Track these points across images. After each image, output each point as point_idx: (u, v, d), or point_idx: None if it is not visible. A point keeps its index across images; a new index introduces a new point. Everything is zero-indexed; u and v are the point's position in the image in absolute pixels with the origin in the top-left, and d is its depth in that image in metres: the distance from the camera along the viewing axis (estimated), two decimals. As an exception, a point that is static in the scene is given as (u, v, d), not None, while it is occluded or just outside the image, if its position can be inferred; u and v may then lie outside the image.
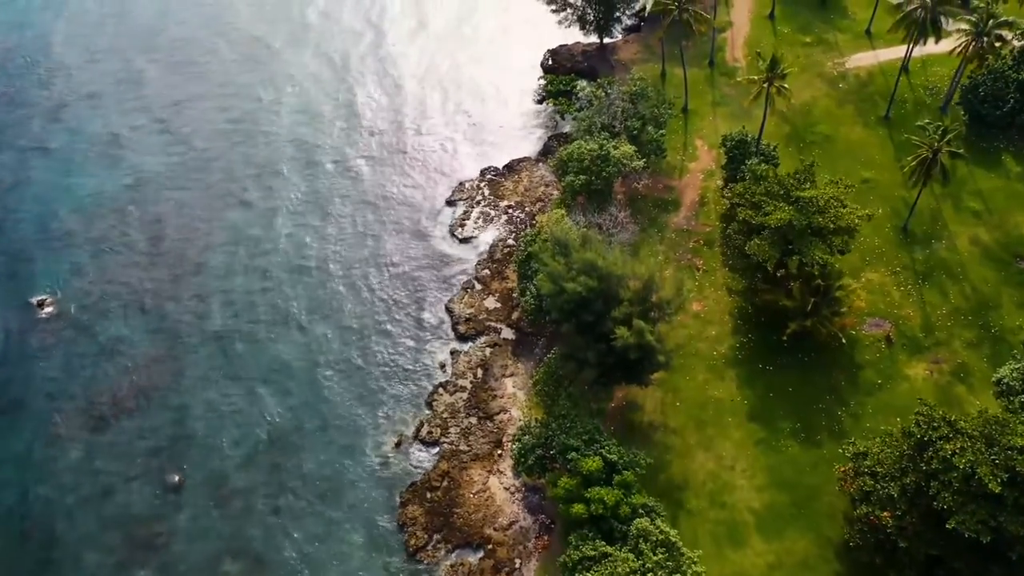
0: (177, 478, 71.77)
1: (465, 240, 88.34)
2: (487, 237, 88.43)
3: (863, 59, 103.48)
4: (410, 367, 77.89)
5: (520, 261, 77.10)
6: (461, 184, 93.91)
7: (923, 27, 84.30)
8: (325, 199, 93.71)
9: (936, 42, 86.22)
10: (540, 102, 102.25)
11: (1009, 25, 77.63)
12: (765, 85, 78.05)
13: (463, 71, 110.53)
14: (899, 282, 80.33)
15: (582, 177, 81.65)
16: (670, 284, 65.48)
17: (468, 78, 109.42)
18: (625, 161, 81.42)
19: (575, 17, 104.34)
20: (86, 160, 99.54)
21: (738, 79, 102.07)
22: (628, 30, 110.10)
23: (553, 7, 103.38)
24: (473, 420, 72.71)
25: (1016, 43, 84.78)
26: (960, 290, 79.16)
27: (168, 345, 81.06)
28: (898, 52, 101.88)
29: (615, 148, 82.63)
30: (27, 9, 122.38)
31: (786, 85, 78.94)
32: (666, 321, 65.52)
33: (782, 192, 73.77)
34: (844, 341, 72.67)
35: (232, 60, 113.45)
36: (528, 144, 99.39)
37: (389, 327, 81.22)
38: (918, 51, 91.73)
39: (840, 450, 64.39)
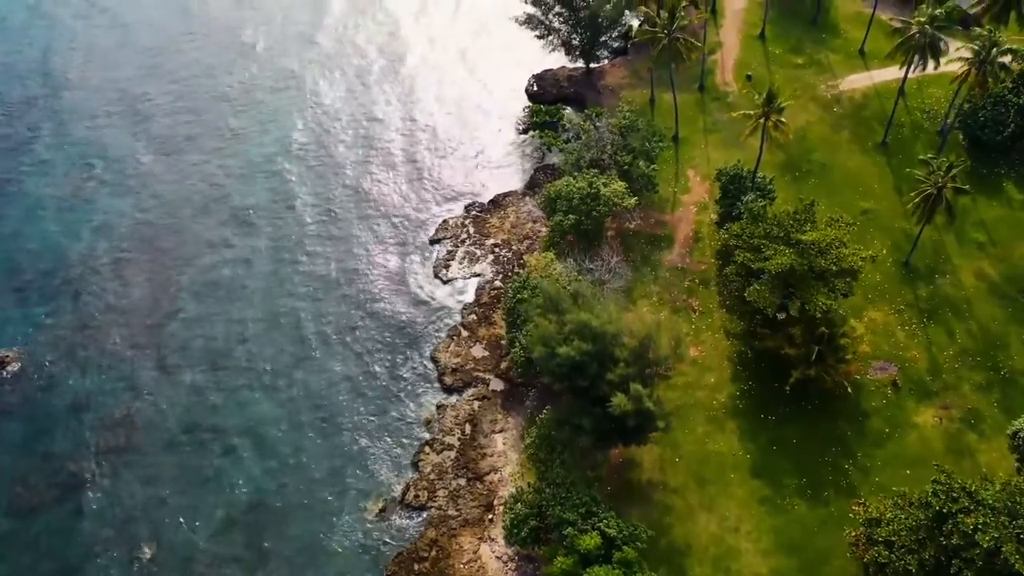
0: (148, 550, 67.43)
1: (450, 282, 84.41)
2: (473, 279, 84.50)
3: (857, 81, 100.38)
4: (394, 424, 73.83)
5: (508, 309, 73.25)
6: (445, 222, 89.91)
7: (923, 53, 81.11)
8: (302, 241, 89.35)
9: (936, 68, 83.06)
10: (525, 131, 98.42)
11: (1012, 53, 74.49)
12: (761, 120, 74.42)
13: (445, 100, 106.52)
14: (903, 321, 77.11)
15: (571, 217, 77.98)
16: (667, 338, 61.69)
17: (450, 107, 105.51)
18: (616, 200, 77.74)
19: (559, 42, 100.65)
20: (52, 202, 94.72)
21: (729, 101, 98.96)
22: (615, 53, 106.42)
23: (537, 33, 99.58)
24: (462, 481, 68.81)
25: (1016, 66, 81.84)
26: (967, 329, 76.03)
27: (139, 402, 76.67)
28: (893, 73, 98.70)
29: (605, 185, 79.02)
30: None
31: (783, 119, 75.44)
32: (664, 379, 61.71)
33: (782, 234, 70.32)
34: (850, 390, 69.24)
35: (206, 92, 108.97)
36: (514, 177, 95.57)
37: (371, 380, 77.13)
38: (914, 72, 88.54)
39: (851, 514, 61.04)
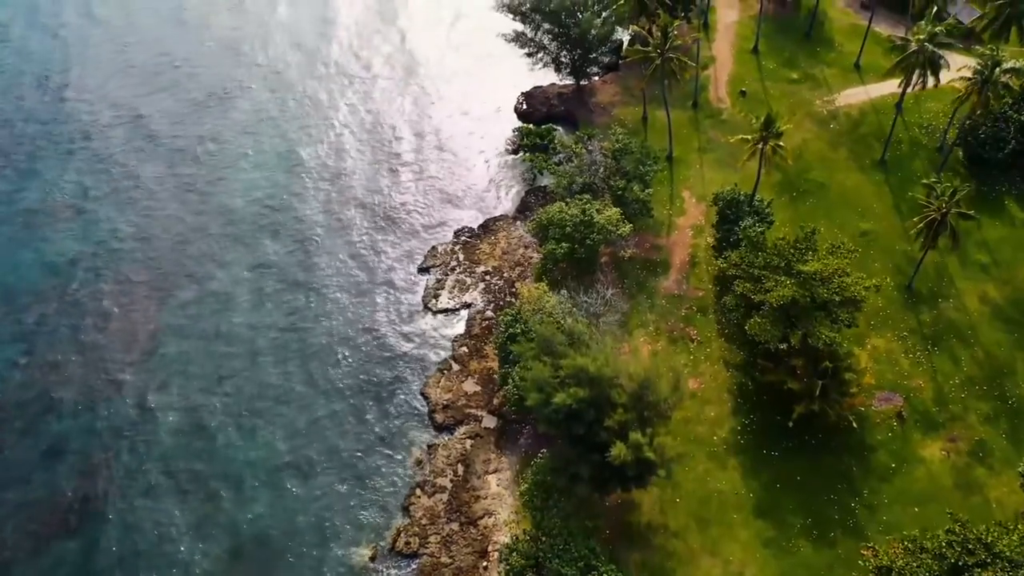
0: (128, 605, 64.45)
1: (440, 313, 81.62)
2: (464, 309, 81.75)
3: (853, 96, 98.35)
4: (383, 465, 71.03)
5: (500, 344, 70.62)
6: (434, 249, 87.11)
7: (923, 70, 79.00)
8: (285, 272, 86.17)
9: (935, 86, 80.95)
10: (515, 152, 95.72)
11: (1016, 72, 72.39)
12: (759, 145, 72.05)
13: (431, 121, 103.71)
14: (907, 348, 74.95)
15: (564, 245, 75.49)
16: (666, 380, 59.19)
17: (437, 128, 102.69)
18: (610, 227, 75.25)
19: (549, 59, 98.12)
20: (27, 231, 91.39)
21: (723, 118, 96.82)
22: (605, 68, 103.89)
23: (526, 51, 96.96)
24: (455, 526, 66.12)
25: (1016, 81, 79.82)
26: (972, 355, 73.95)
27: (117, 445, 73.52)
28: (890, 87, 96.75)
29: (599, 212, 76.54)
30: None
31: (781, 143, 73.12)
32: (665, 419, 59.25)
33: (783, 264, 68.00)
34: (855, 424, 66.95)
35: (186, 114, 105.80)
36: (504, 200, 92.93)
37: (359, 418, 74.27)
38: (913, 89, 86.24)
39: (860, 560, 58.68)
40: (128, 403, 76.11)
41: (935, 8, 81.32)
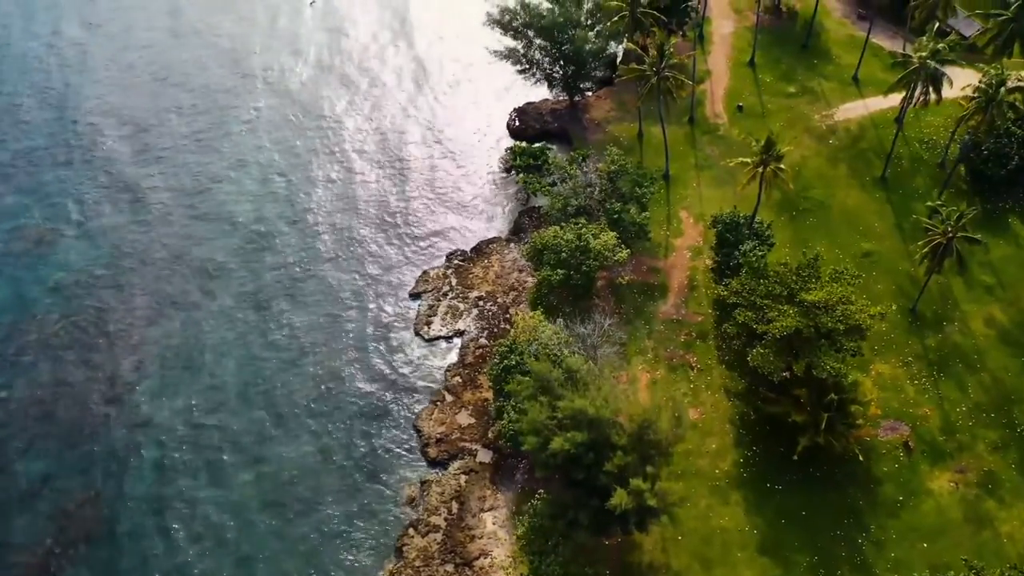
0: (110, 655, 61.99)
1: (432, 341, 79.29)
2: (456, 336, 79.46)
3: (852, 110, 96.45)
4: (375, 502, 68.72)
5: (495, 376, 68.38)
6: (425, 273, 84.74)
7: (925, 88, 77.08)
8: (272, 299, 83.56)
9: (937, 103, 79.03)
10: (508, 171, 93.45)
11: (1022, 91, 70.50)
12: (760, 169, 70.00)
13: (421, 138, 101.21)
14: (912, 374, 73.07)
15: (560, 272, 73.36)
16: (668, 414, 57.09)
17: (427, 147, 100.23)
18: (607, 253, 73.11)
19: (541, 75, 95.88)
20: (5, 259, 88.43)
21: (720, 134, 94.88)
22: (599, 83, 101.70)
23: (518, 67, 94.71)
24: (450, 568, 63.87)
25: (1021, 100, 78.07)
26: (979, 382, 72.13)
27: (101, 484, 70.98)
28: (889, 101, 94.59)
29: (595, 237, 74.37)
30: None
31: (782, 166, 71.09)
32: (666, 459, 57.13)
33: (785, 293, 65.96)
34: (861, 458, 64.97)
35: (183, 137, 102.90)
36: (497, 221, 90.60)
37: (349, 453, 71.96)
38: (914, 105, 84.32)
39: (870, 604, 56.77)
40: (111, 440, 73.58)
41: (936, 24, 79.24)
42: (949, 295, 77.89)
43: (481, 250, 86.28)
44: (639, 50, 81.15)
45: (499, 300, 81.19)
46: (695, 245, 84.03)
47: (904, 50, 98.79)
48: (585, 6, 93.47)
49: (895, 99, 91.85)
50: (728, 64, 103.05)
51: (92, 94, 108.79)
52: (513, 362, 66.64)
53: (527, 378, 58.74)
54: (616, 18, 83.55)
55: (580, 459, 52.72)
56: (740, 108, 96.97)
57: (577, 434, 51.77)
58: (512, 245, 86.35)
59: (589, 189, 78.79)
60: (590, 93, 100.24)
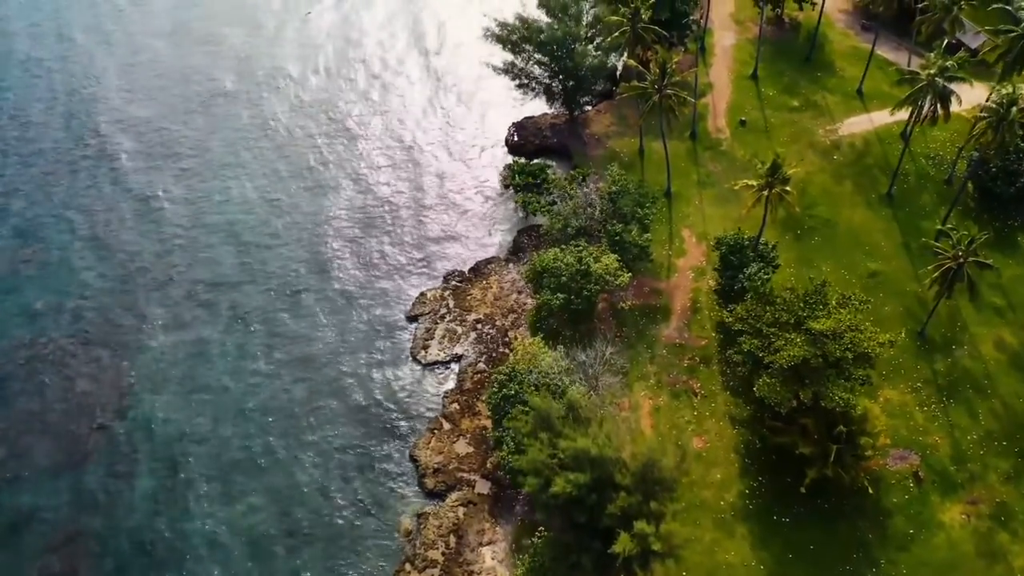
0: None
1: (430, 366, 77.32)
2: (454, 362, 77.49)
3: (857, 124, 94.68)
4: (370, 536, 66.76)
5: (494, 405, 66.46)
6: (423, 295, 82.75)
7: (932, 105, 75.28)
8: (264, 322, 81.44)
9: (946, 121, 77.26)
10: (507, 187, 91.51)
11: (1034, 111, 68.80)
12: (764, 192, 68.16)
13: (418, 155, 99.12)
14: (921, 400, 71.31)
15: (560, 296, 71.46)
16: (672, 453, 55.29)
17: (423, 161, 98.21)
18: (608, 277, 71.24)
19: (540, 89, 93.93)
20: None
21: (723, 149, 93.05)
22: (599, 96, 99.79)
23: (517, 82, 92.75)
24: (447, 606, 61.96)
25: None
26: (990, 408, 70.40)
27: (87, 518, 68.95)
28: (894, 115, 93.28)
29: (596, 260, 72.49)
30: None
31: (788, 188, 69.25)
32: (671, 497, 55.26)
33: (792, 320, 64.12)
34: (871, 490, 63.13)
35: (157, 152, 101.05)
36: (496, 240, 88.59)
37: (344, 483, 69.98)
38: (921, 123, 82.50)
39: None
40: (97, 470, 71.57)
41: (945, 41, 77.45)
42: (958, 317, 76.15)
43: (479, 270, 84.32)
44: (640, 67, 79.18)
45: (498, 323, 79.26)
46: (698, 265, 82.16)
47: (909, 63, 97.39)
48: (585, 19, 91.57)
49: (900, 113, 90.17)
50: (730, 77, 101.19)
51: (95, 108, 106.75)
52: (512, 391, 64.77)
53: (526, 415, 56.78)
54: (616, 33, 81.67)
55: (582, 500, 50.86)
56: (743, 123, 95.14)
57: (579, 475, 49.93)
58: (511, 265, 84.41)
59: (589, 210, 76.84)
60: (590, 107, 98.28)
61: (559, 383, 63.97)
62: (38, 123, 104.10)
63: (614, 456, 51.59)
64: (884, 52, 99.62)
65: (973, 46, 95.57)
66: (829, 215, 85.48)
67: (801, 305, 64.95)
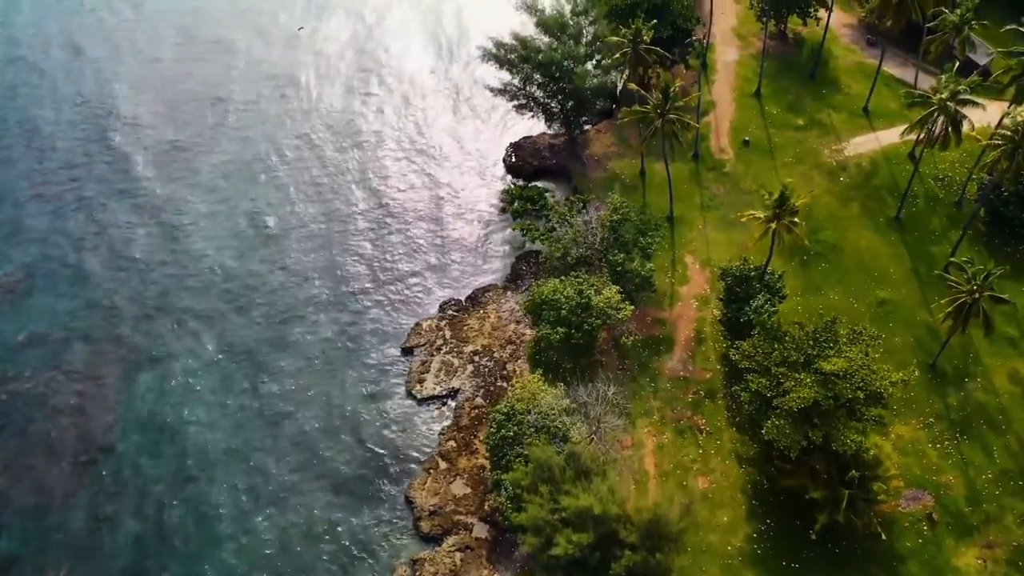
0: None
1: (425, 401, 74.81)
2: (451, 397, 74.99)
3: (863, 143, 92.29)
4: (364, 586, 64.35)
5: (492, 447, 64.00)
6: (418, 325, 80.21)
7: (944, 129, 72.91)
8: (253, 355, 78.67)
9: (957, 145, 74.90)
10: (504, 210, 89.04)
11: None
12: (772, 224, 65.73)
13: (411, 175, 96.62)
14: (934, 437, 68.94)
15: (560, 330, 69.00)
16: (677, 500, 52.95)
17: (419, 184, 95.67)
18: (610, 311, 68.79)
19: (539, 109, 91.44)
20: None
21: (726, 171, 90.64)
22: (600, 114, 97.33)
23: (515, 103, 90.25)
24: (444, 659, 59.53)
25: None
26: (1004, 445, 68.05)
27: (71, 562, 66.39)
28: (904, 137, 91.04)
29: (597, 293, 70.03)
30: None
31: (796, 219, 66.86)
32: (677, 549, 52.89)
33: (801, 359, 61.71)
34: (884, 537, 60.73)
35: (152, 180, 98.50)
36: (493, 266, 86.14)
37: (335, 526, 67.46)
38: (933, 147, 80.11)
39: None
40: (81, 511, 69.05)
41: (957, 63, 75.07)
42: (970, 348, 73.78)
43: (476, 299, 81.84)
44: (641, 90, 76.70)
45: (496, 355, 76.80)
46: (702, 294, 79.75)
47: (916, 80, 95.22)
48: (584, 37, 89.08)
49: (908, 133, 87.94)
50: (733, 95, 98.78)
51: (67, 123, 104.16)
52: (511, 433, 62.31)
53: (525, 466, 54.33)
54: (617, 55, 79.22)
55: (585, 561, 48.45)
56: (746, 143, 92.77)
57: (582, 536, 47.49)
58: (509, 293, 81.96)
59: (590, 239, 74.36)
60: (589, 126, 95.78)
61: (559, 425, 61.53)
62: (16, 146, 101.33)
63: (618, 511, 49.13)
64: (890, 68, 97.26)
65: (982, 63, 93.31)
66: (836, 239, 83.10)
67: (811, 343, 62.56)
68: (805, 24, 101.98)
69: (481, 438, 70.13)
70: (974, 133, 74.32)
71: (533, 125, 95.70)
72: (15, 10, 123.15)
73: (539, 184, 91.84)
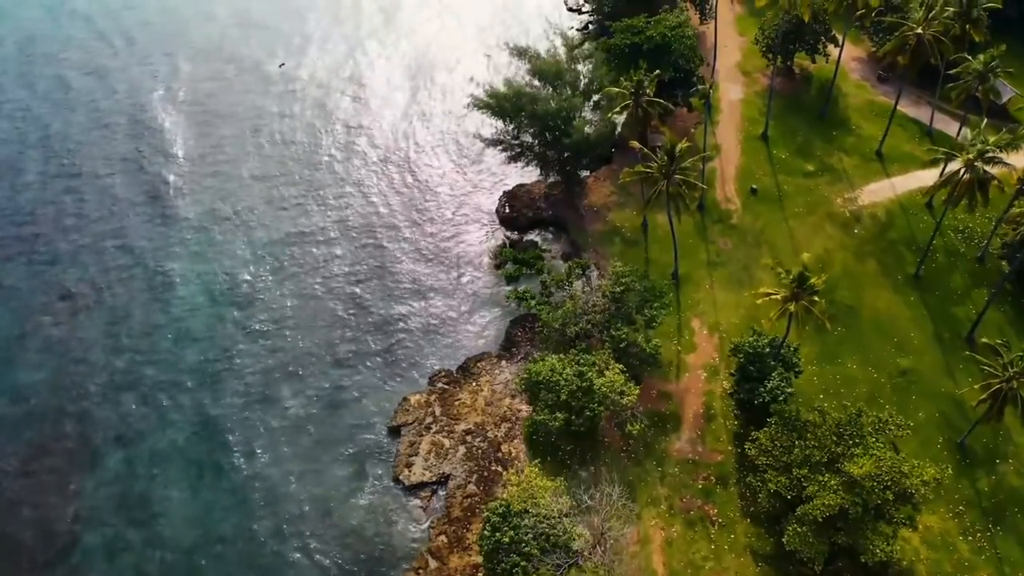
0: None
1: (414, 488, 69.11)
2: (441, 484, 69.29)
3: (878, 191, 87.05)
4: None
5: (486, 553, 58.37)
6: (406, 400, 74.47)
7: (971, 191, 67.72)
8: (225, 436, 72.46)
9: (984, 206, 69.70)
10: (498, 267, 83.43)
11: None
12: (790, 306, 60.31)
13: (400, 228, 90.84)
14: (965, 527, 63.64)
15: (560, 416, 63.55)
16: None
17: (406, 237, 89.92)
18: (613, 396, 63.29)
19: (534, 158, 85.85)
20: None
21: (733, 223, 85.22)
22: (599, 159, 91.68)
23: (508, 154, 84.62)
24: None
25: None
26: (1042, 537, 62.81)
27: None
28: (916, 180, 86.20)
29: (599, 374, 64.52)
30: None
31: (816, 298, 61.46)
32: None
33: (824, 459, 56.36)
34: (917, 653, 55.60)
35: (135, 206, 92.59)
36: (486, 332, 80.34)
37: (318, 639, 61.90)
38: (956, 207, 74.79)
39: None
40: (40, 621, 63.20)
41: (984, 122, 69.83)
42: (1001, 425, 68.38)
43: (468, 369, 76.13)
44: (643, 149, 71.18)
45: (490, 434, 71.17)
46: (710, 363, 74.28)
47: (932, 120, 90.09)
48: (582, 83, 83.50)
49: (923, 177, 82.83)
50: (739, 137, 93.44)
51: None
52: (507, 539, 56.69)
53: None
54: (618, 108, 73.73)
55: None
56: (754, 191, 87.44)
57: None
58: (504, 363, 76.26)
59: (591, 312, 68.78)
60: (588, 171, 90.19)
61: (560, 532, 55.99)
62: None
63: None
64: (904, 107, 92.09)
65: (1001, 101, 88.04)
66: (852, 300, 77.82)
67: (834, 439, 57.20)
68: (814, 61, 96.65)
69: (474, 532, 64.48)
70: (995, 181, 69.32)
71: (528, 171, 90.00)
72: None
73: (534, 238, 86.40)
